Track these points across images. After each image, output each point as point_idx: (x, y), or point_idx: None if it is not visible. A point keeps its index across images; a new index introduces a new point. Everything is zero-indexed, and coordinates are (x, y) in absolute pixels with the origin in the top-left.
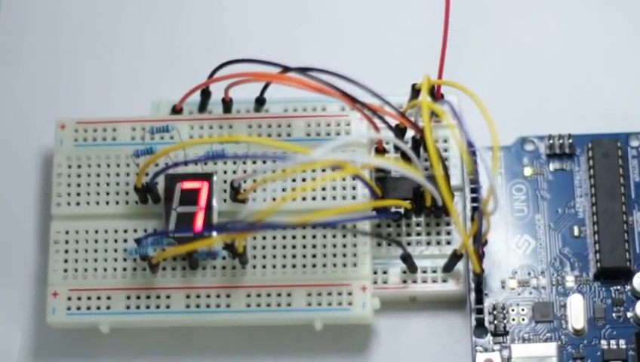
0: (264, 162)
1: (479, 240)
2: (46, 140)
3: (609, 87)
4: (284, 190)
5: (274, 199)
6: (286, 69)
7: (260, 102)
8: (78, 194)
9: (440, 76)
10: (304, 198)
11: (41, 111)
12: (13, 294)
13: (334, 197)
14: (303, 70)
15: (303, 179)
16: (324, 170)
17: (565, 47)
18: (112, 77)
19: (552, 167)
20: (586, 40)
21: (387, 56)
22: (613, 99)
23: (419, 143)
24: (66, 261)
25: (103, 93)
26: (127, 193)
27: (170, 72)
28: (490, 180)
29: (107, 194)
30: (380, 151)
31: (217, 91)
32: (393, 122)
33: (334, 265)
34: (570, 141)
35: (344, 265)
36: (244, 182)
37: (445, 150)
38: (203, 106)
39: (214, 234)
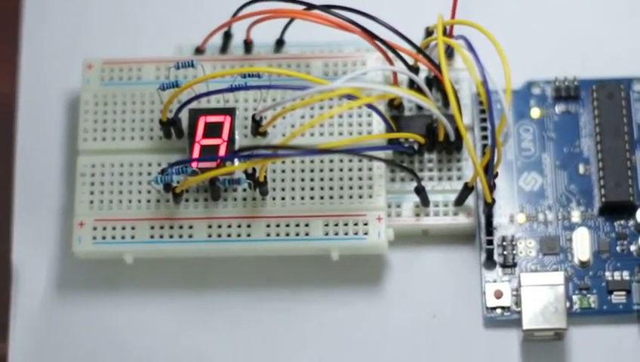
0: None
1: (491, 171)
2: (73, 81)
3: (614, 34)
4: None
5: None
6: (309, 6)
7: (280, 44)
8: (104, 130)
9: (453, 18)
10: (322, 134)
11: (68, 53)
12: (40, 228)
13: (351, 133)
14: (326, 8)
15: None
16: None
17: None
18: (138, 21)
19: (558, 109)
20: None
21: (399, 2)
22: (617, 45)
23: (432, 84)
24: (92, 193)
25: (129, 37)
26: (151, 129)
27: (194, 17)
28: (503, 109)
29: (132, 130)
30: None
31: (239, 34)
32: (409, 61)
33: (350, 197)
34: (575, 84)
35: (360, 197)
36: (265, 118)
37: (456, 93)
38: (225, 48)
39: (236, 161)
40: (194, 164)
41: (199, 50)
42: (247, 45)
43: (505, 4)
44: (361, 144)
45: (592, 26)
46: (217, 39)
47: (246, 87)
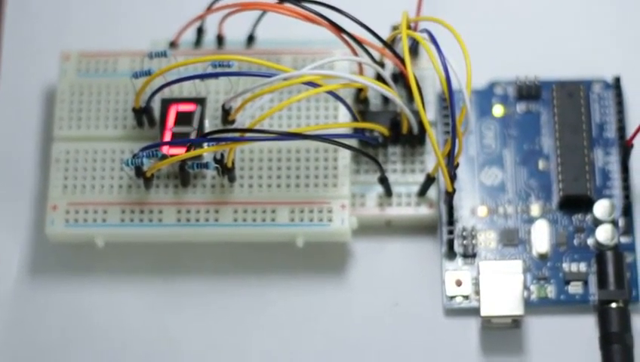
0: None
1: (452, 161)
2: (50, 72)
3: (575, 35)
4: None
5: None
6: (280, 0)
7: (251, 40)
8: (80, 119)
9: (418, 15)
10: (289, 125)
11: (46, 46)
12: (14, 213)
13: (317, 124)
14: (296, 1)
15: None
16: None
17: None
18: (115, 16)
19: (519, 108)
20: None
21: (367, 1)
22: (579, 47)
23: (397, 80)
24: (65, 178)
25: (106, 32)
26: (125, 118)
27: (170, 13)
28: (464, 99)
29: (106, 118)
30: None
31: (211, 29)
32: (376, 56)
33: (316, 185)
34: (537, 84)
35: (325, 185)
36: (234, 109)
37: (420, 89)
38: (198, 43)
39: (205, 146)
40: (164, 149)
41: (173, 45)
42: (220, 40)
43: (468, 6)
44: (327, 132)
45: (554, 28)
46: (191, 35)
47: (216, 74)
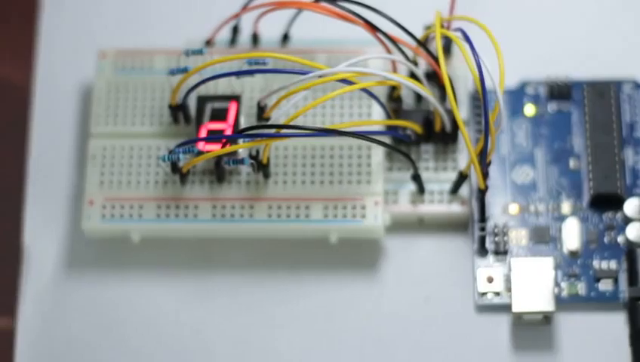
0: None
1: (484, 158)
2: (87, 70)
3: (607, 36)
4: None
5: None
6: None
7: (286, 39)
8: (116, 116)
9: (451, 14)
10: (323, 123)
11: (82, 44)
12: (51, 209)
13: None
14: (332, 0)
15: None
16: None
17: None
18: (150, 15)
19: (550, 108)
20: None
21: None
22: (610, 47)
23: (430, 78)
24: (102, 174)
25: (141, 31)
26: (161, 115)
27: (205, 12)
28: (497, 97)
29: (142, 115)
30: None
31: (247, 28)
32: (409, 55)
33: (349, 182)
34: (568, 84)
35: (358, 182)
36: (269, 106)
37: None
38: (233, 42)
39: (240, 141)
40: (200, 145)
41: (209, 43)
42: (255, 38)
43: (501, 6)
44: (360, 129)
45: (585, 28)
46: (226, 34)
47: (251, 72)
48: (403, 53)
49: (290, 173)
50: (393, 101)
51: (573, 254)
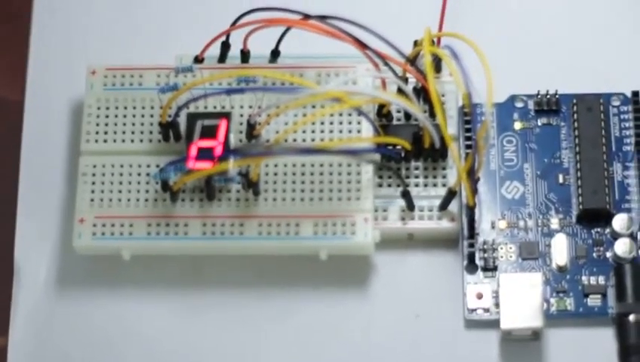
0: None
1: (473, 175)
2: (77, 87)
3: (595, 50)
4: (295, 124)
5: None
6: (305, 16)
7: (275, 55)
8: (106, 133)
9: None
10: (313, 139)
11: (72, 62)
12: (42, 225)
13: (341, 139)
14: (321, 17)
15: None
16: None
17: (556, 12)
18: (140, 33)
19: (539, 122)
20: (576, 6)
21: (390, 17)
22: (598, 61)
23: (419, 94)
24: (92, 191)
25: (131, 48)
26: (150, 132)
27: (194, 28)
28: (485, 114)
29: (132, 132)
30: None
31: (236, 45)
32: (398, 71)
33: (339, 199)
34: (556, 98)
35: (348, 199)
36: (259, 124)
37: (442, 103)
38: (222, 58)
39: (231, 160)
40: (190, 163)
41: (198, 60)
42: (244, 55)
43: (490, 22)
44: (350, 146)
45: (573, 43)
46: (215, 50)
47: (241, 90)
48: (392, 69)
49: (280, 191)
50: (383, 116)
51: (562, 269)
